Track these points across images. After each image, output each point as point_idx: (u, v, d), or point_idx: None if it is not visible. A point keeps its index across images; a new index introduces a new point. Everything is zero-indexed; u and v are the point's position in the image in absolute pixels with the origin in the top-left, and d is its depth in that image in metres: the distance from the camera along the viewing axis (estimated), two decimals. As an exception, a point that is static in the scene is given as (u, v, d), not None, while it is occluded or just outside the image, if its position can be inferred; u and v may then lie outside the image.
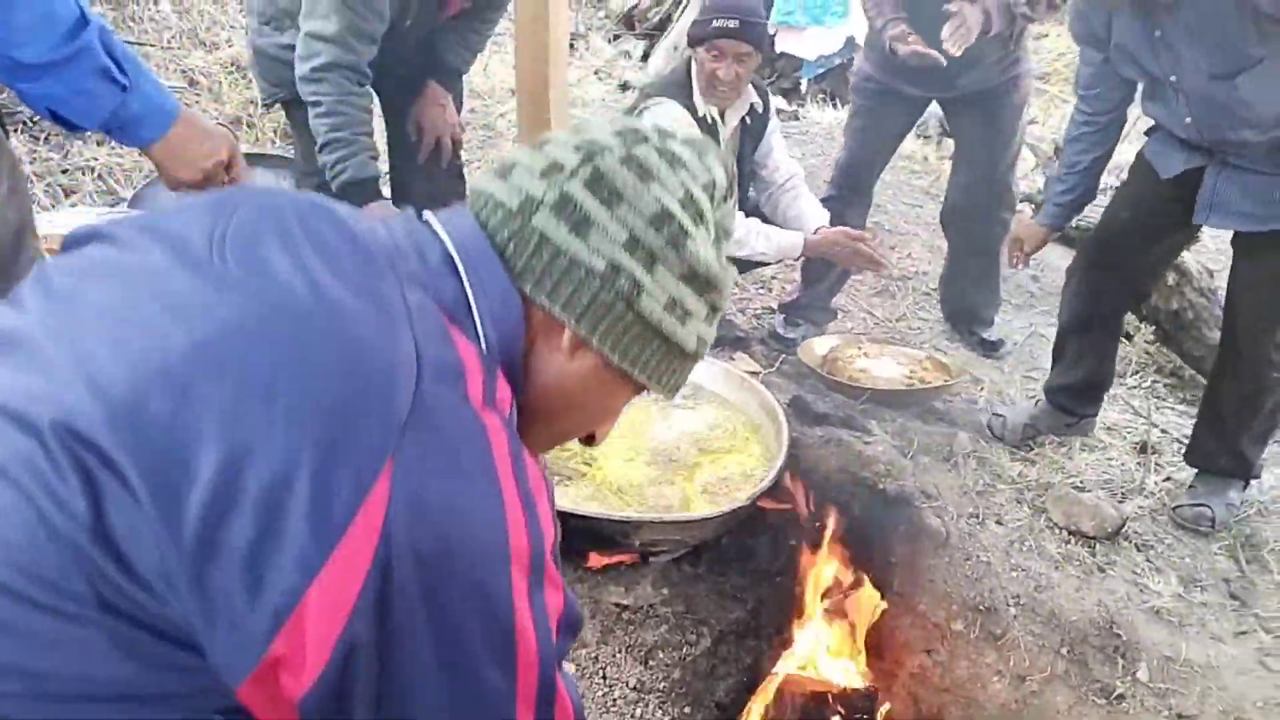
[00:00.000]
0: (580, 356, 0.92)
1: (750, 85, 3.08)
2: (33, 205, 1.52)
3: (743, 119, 3.14)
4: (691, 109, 2.99)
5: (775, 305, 3.78)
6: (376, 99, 3.26)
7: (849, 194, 3.47)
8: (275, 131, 4.36)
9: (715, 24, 2.87)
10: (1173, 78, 2.38)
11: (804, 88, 6.29)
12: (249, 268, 0.77)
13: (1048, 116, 6.52)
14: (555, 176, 0.89)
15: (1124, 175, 2.99)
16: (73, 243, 0.87)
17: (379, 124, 3.37)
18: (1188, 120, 2.44)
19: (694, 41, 2.98)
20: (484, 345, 0.84)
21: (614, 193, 0.88)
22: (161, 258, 0.79)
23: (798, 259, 3.21)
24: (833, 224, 3.21)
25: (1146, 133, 2.75)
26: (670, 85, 3.08)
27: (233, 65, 4.55)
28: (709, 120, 3.03)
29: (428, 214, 0.93)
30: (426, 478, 0.72)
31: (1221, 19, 2.19)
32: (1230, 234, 2.64)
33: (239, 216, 0.82)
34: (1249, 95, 2.26)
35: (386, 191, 4.14)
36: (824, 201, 3.40)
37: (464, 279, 0.86)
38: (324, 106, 2.53)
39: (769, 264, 3.29)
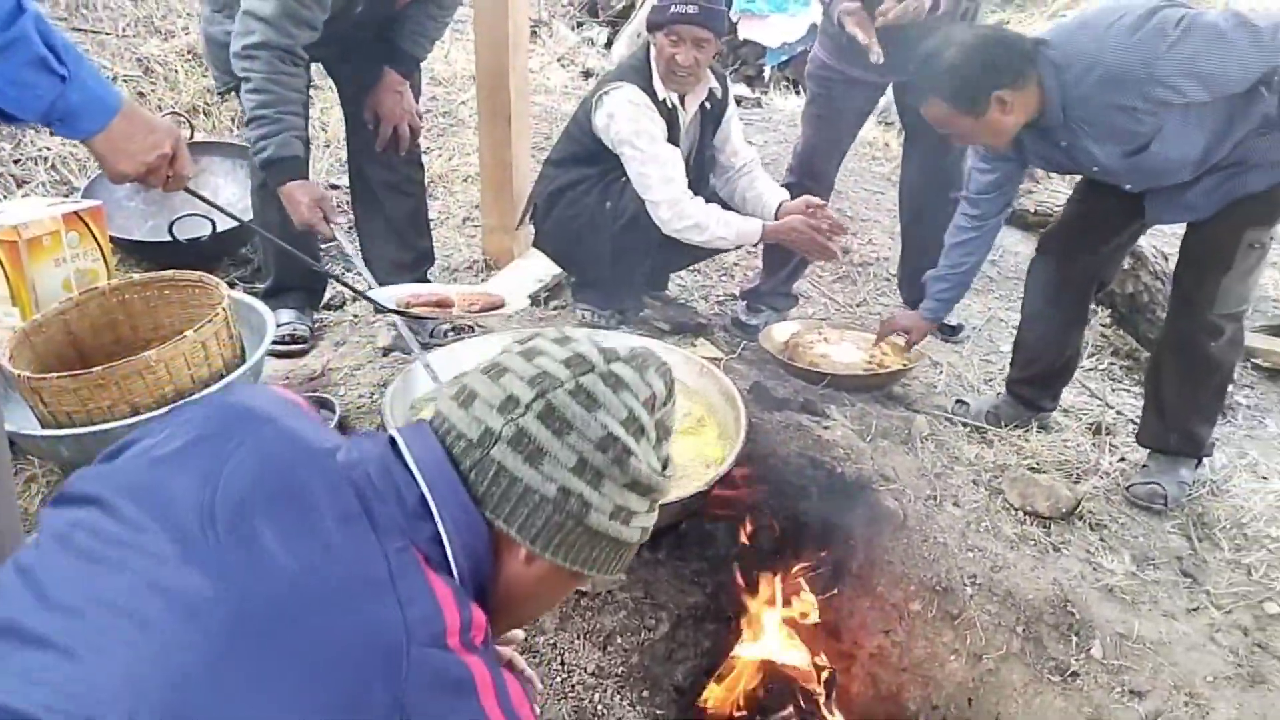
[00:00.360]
0: (536, 565, 1.04)
1: (709, 71, 3.09)
2: None
3: (702, 104, 3.14)
4: (651, 93, 2.99)
5: (737, 292, 3.79)
6: (334, 85, 3.24)
7: (809, 181, 3.47)
8: (233, 120, 4.31)
9: (674, 9, 2.87)
10: (1094, 169, 2.56)
11: (767, 75, 6.30)
12: (242, 550, 0.86)
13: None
14: (511, 412, 1.00)
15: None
16: (66, 502, 0.95)
17: (338, 112, 3.35)
18: (1127, 186, 2.61)
19: (653, 27, 2.98)
20: (458, 578, 0.96)
21: (564, 423, 1.00)
22: (159, 542, 0.87)
23: (756, 245, 3.22)
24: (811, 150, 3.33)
25: None
26: (630, 70, 3.07)
27: (189, 53, 4.49)
28: (668, 105, 3.03)
29: (400, 441, 1.01)
30: None
31: (1110, 119, 2.38)
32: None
33: (226, 480, 0.91)
34: (1166, 156, 2.42)
35: (342, 181, 4.13)
36: (783, 186, 3.42)
37: (439, 524, 0.96)
38: (253, 83, 2.53)
39: (729, 250, 3.30)
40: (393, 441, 1.02)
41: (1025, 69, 2.40)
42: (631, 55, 3.25)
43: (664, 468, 1.10)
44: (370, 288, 2.79)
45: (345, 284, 2.60)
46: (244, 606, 0.84)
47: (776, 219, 3.11)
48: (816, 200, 3.08)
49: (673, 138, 3.05)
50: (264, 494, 0.90)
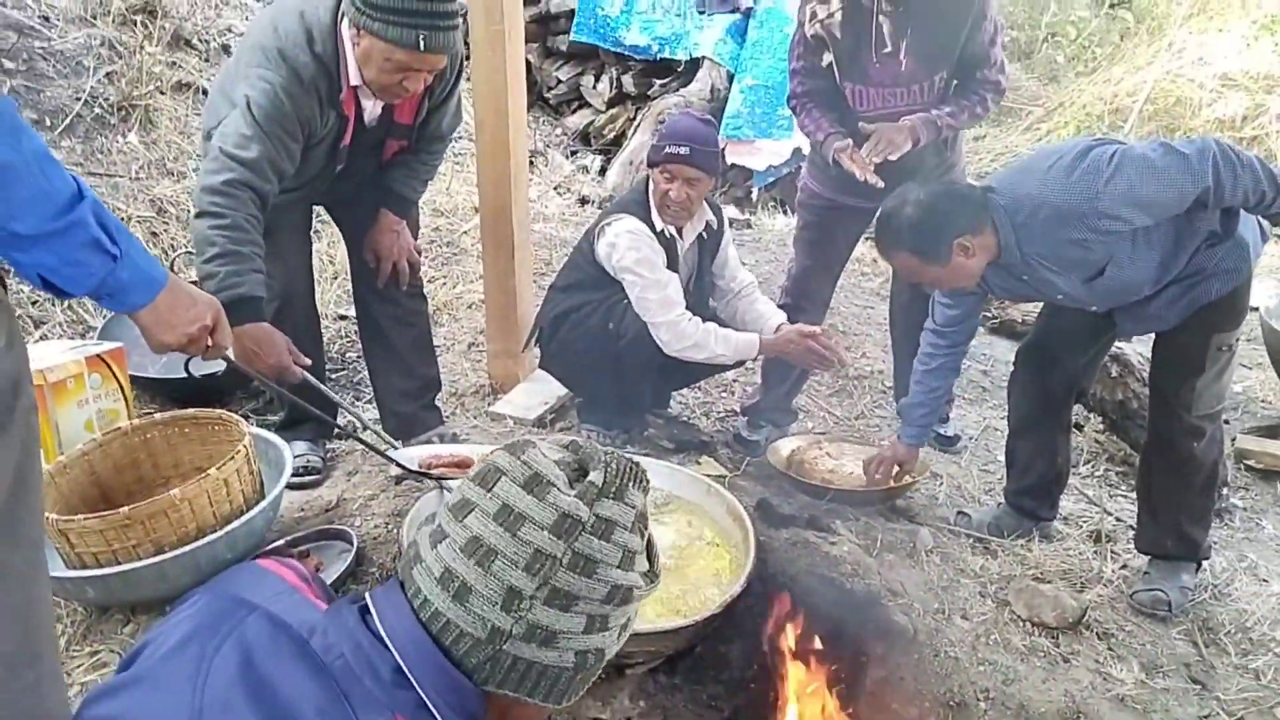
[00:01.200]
0: (545, 708, 1.07)
1: (704, 203, 3.25)
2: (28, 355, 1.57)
3: (699, 234, 3.30)
4: (650, 224, 3.14)
5: (738, 408, 3.88)
6: (336, 227, 3.38)
7: (804, 303, 3.60)
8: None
9: (668, 150, 3.05)
10: (1059, 296, 2.70)
11: (755, 196, 6.52)
12: None
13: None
14: (518, 607, 1.00)
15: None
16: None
17: (344, 247, 3.48)
18: (1093, 308, 2.76)
19: (650, 164, 3.16)
20: None
21: (571, 599, 1.02)
22: None
23: (755, 359, 3.33)
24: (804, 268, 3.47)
25: None
26: (630, 203, 3.23)
27: (201, 193, 4.65)
28: (667, 235, 3.18)
29: (372, 613, 1.03)
30: None
31: (1064, 252, 2.54)
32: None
33: (211, 681, 0.95)
34: (1123, 277, 2.57)
35: (350, 311, 4.25)
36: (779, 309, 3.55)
37: (419, 692, 0.98)
38: (228, 219, 2.51)
39: (729, 366, 3.41)
40: (365, 611, 1.04)
41: (979, 215, 2.57)
42: (631, 189, 3.41)
43: (652, 565, 1.12)
44: (364, 428, 2.88)
45: (367, 444, 2.67)
46: None
47: (778, 331, 3.24)
48: (811, 329, 3.20)
49: (671, 265, 3.18)
50: (246, 691, 0.94)
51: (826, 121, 3.30)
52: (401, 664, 0.98)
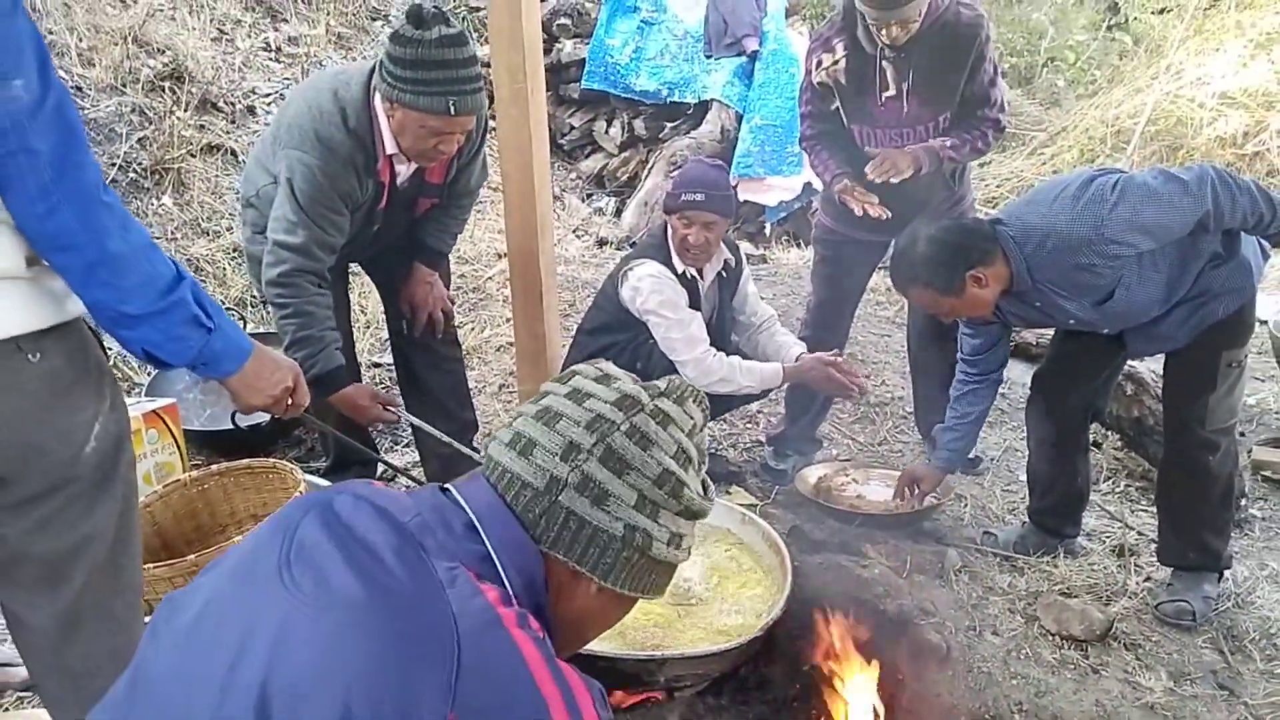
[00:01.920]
0: (601, 595, 1.13)
1: (722, 243, 3.39)
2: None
3: (719, 273, 3.43)
4: (671, 266, 3.28)
5: (763, 438, 3.98)
6: (367, 277, 3.53)
7: (823, 334, 3.72)
8: (277, 310, 4.61)
9: (684, 197, 3.20)
10: (1071, 321, 2.81)
11: (768, 231, 6.67)
12: (317, 585, 0.98)
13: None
14: (575, 457, 1.07)
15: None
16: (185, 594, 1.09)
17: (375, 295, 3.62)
18: (1105, 330, 2.86)
19: (667, 210, 3.31)
20: (511, 592, 1.03)
21: (624, 464, 1.08)
22: (258, 596, 1.00)
23: (780, 386, 3.45)
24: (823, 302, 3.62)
25: None
26: (651, 247, 3.37)
27: (234, 250, 4.83)
28: (688, 276, 3.31)
29: (450, 486, 1.13)
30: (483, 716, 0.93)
31: (1073, 278, 2.65)
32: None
33: (300, 536, 1.03)
34: (1131, 300, 2.67)
35: (383, 359, 4.39)
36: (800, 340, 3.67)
37: (485, 542, 1.05)
38: (291, 309, 2.75)
39: (755, 398, 3.52)
40: (445, 489, 1.12)
41: (989, 247, 2.68)
42: (650, 234, 3.55)
43: (705, 491, 1.18)
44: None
45: (411, 476, 2.84)
46: (317, 628, 0.94)
47: (796, 360, 3.35)
48: (831, 356, 3.32)
49: (694, 305, 3.32)
50: (328, 533, 1.02)
51: (834, 163, 3.43)
52: (473, 518, 1.05)
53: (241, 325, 3.42)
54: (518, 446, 1.09)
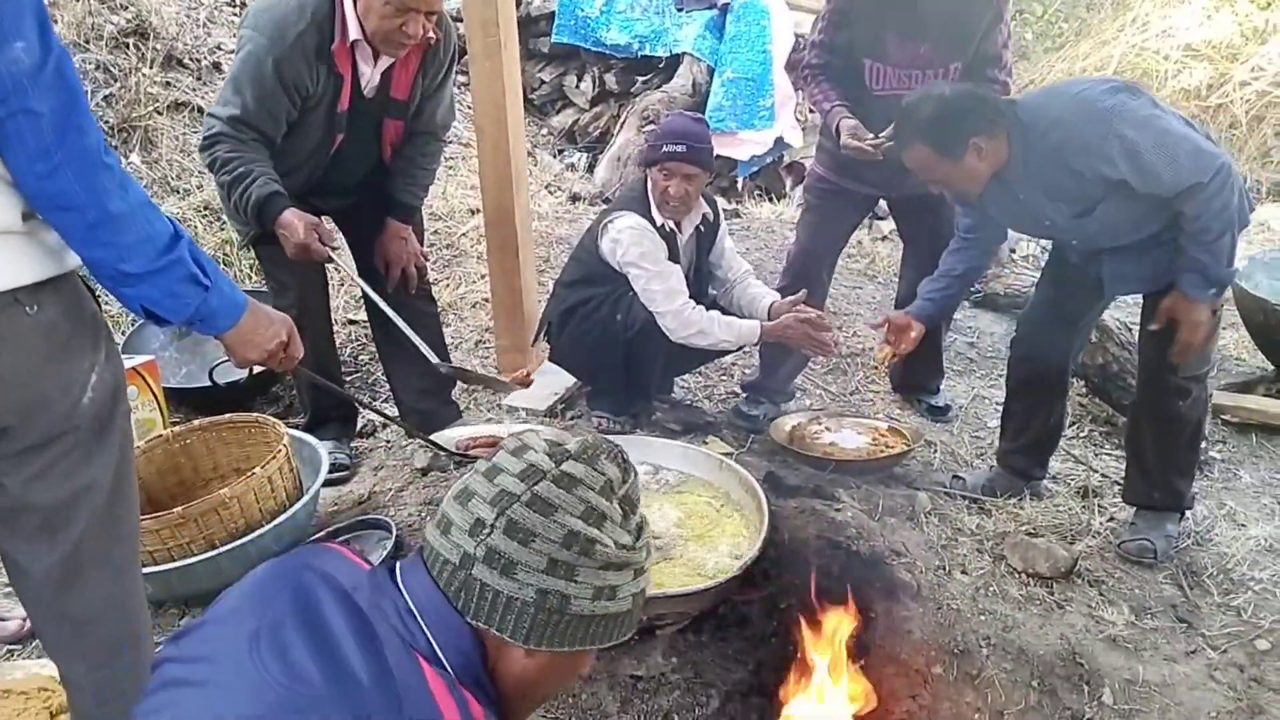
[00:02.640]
0: (538, 658, 1.17)
1: (701, 198, 3.42)
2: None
3: (697, 227, 3.47)
4: (650, 219, 3.31)
5: (738, 388, 4.05)
6: (344, 239, 3.53)
7: (801, 283, 3.73)
8: (251, 268, 4.59)
9: (665, 148, 3.22)
10: (1046, 223, 2.84)
11: (740, 185, 6.69)
12: (283, 670, 1.05)
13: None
14: (480, 533, 1.14)
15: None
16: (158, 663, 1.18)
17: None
18: (1074, 243, 2.90)
19: (649, 163, 3.33)
20: (451, 675, 1.10)
21: (527, 534, 1.13)
22: (224, 673, 1.08)
23: (756, 344, 3.50)
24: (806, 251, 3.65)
25: None
26: (630, 200, 3.40)
27: (205, 208, 4.80)
28: (666, 229, 3.34)
29: (398, 571, 1.19)
30: None
31: (1061, 181, 2.66)
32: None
33: (271, 617, 1.11)
34: (1109, 220, 2.71)
35: (358, 316, 4.40)
36: (779, 289, 3.72)
37: (427, 636, 1.12)
38: (219, 159, 2.72)
39: (730, 350, 3.58)
40: (393, 573, 1.19)
41: (998, 120, 2.68)
42: (629, 187, 3.58)
43: (637, 538, 1.22)
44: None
45: (397, 422, 2.82)
46: (282, 710, 1.03)
47: (770, 317, 3.40)
48: (806, 310, 3.34)
49: (672, 258, 3.35)
50: (295, 615, 1.10)
51: (835, 94, 3.44)
52: (411, 606, 1.13)
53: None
54: (441, 526, 1.18)
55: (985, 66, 3.34)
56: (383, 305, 2.95)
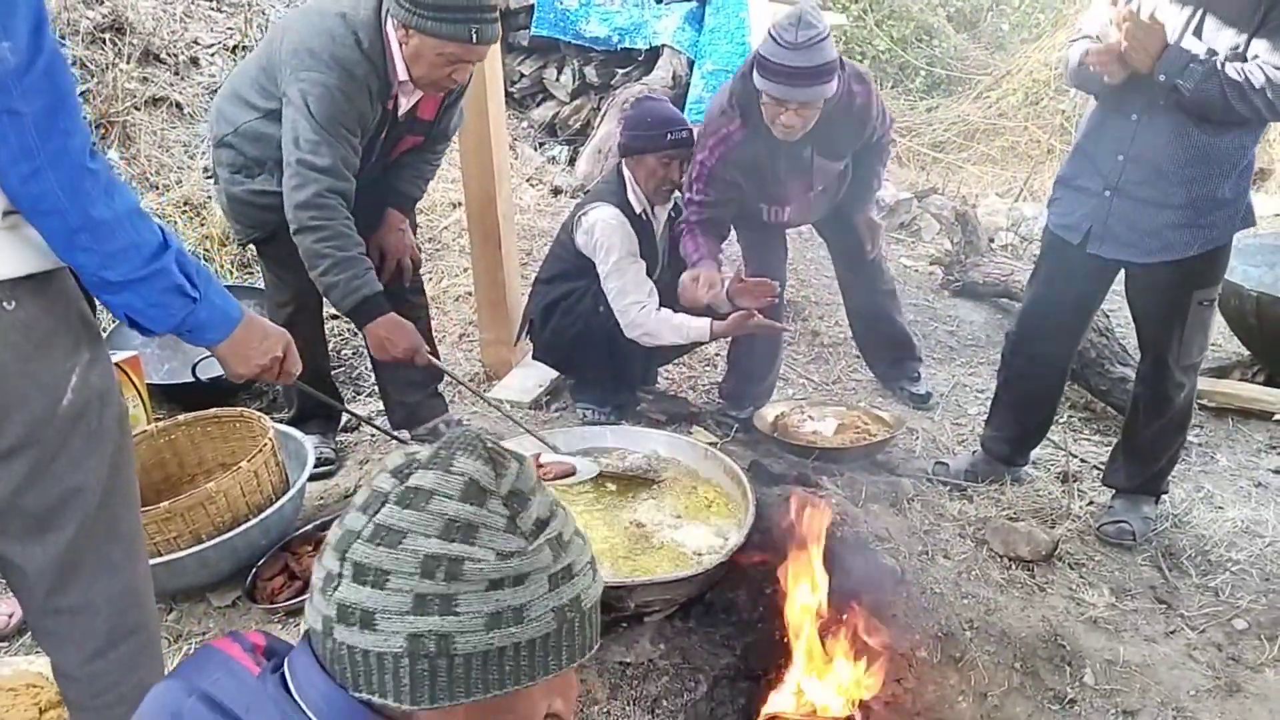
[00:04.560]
0: (453, 715, 0.95)
1: None
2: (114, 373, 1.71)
3: (670, 212, 3.51)
4: (629, 208, 3.32)
5: (719, 394, 4.05)
6: None
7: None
8: (232, 264, 4.58)
9: (670, 137, 3.26)
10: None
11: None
12: None
13: (946, 183, 7.01)
14: (330, 588, 0.94)
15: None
16: None
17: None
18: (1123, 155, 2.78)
19: (645, 150, 3.32)
20: None
21: (379, 573, 0.92)
22: None
23: (707, 342, 3.47)
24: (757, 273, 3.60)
25: (1050, 205, 3.06)
26: (605, 191, 3.42)
27: (185, 204, 4.77)
28: (644, 216, 3.36)
29: (294, 679, 0.99)
30: None
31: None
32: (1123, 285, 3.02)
33: None
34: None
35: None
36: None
37: None
38: (327, 230, 2.68)
39: (705, 343, 3.60)
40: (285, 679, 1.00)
41: None
42: (603, 178, 3.59)
43: (532, 539, 0.96)
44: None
45: (376, 426, 2.81)
46: None
47: (729, 298, 3.34)
48: (747, 313, 3.29)
49: (651, 242, 3.38)
50: None
51: (707, 246, 3.34)
52: (309, 714, 0.95)
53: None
54: (310, 591, 1.00)
55: (875, 156, 3.55)
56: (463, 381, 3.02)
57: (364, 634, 0.92)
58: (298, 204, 2.68)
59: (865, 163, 3.55)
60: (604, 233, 3.27)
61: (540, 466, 2.77)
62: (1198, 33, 2.58)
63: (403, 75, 2.76)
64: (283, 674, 0.99)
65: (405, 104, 2.91)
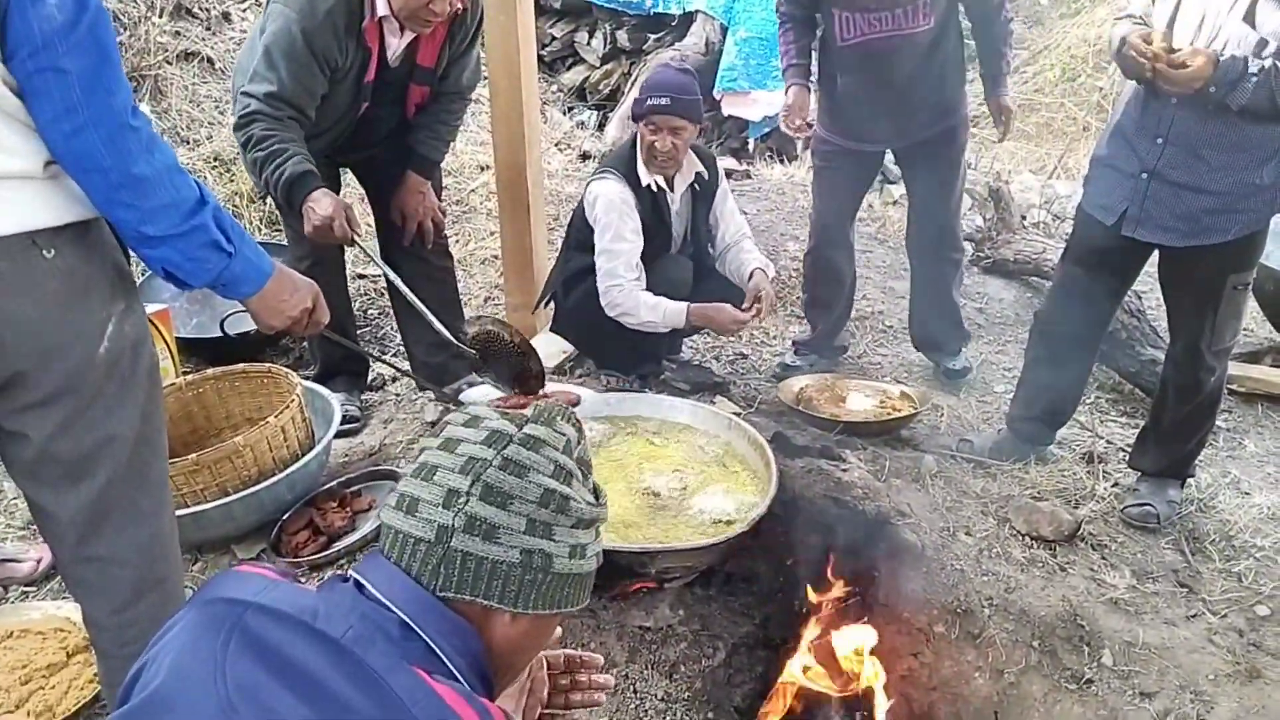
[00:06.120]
0: (520, 622, 1.13)
1: (694, 154, 3.39)
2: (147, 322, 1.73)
3: (691, 186, 3.45)
4: (635, 180, 3.29)
5: (790, 343, 4.13)
6: (363, 190, 3.52)
7: (826, 245, 3.79)
8: (261, 220, 4.60)
9: (650, 102, 3.19)
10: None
11: (751, 146, 6.65)
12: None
13: (979, 158, 6.93)
14: (456, 502, 1.09)
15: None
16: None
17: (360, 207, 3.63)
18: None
19: (635, 118, 3.30)
20: (460, 678, 1.05)
21: (505, 496, 1.10)
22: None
23: (683, 327, 3.40)
24: (819, 270, 3.77)
25: (1085, 184, 3.02)
26: (616, 159, 3.39)
27: (215, 159, 4.79)
28: (653, 189, 3.33)
29: (365, 584, 1.08)
30: None
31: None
32: (1155, 267, 2.98)
33: (235, 676, 0.95)
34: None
35: (368, 270, 4.40)
36: (808, 254, 3.82)
37: (427, 640, 1.05)
38: (255, 136, 2.68)
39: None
40: (359, 585, 1.09)
41: None
42: (618, 143, 3.56)
43: (597, 498, 1.21)
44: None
45: (409, 374, 2.78)
46: None
47: (749, 281, 3.40)
48: (761, 294, 3.34)
49: (662, 218, 3.35)
50: (270, 673, 0.95)
51: (795, 50, 3.47)
52: (405, 618, 1.05)
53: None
54: (404, 506, 1.12)
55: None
56: (404, 289, 2.91)
57: (486, 544, 1.08)
58: (234, 126, 2.72)
59: (987, 30, 3.48)
60: (602, 209, 3.26)
61: (547, 396, 2.78)
62: (1249, 18, 2.52)
63: (382, 9, 2.74)
64: (344, 580, 1.12)
65: (396, 45, 2.88)
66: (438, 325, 2.87)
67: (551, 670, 1.43)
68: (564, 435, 1.18)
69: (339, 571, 1.14)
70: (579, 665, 1.45)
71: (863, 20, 3.31)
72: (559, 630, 1.32)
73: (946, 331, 3.99)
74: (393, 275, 3.00)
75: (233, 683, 0.95)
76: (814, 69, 3.61)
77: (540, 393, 2.83)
